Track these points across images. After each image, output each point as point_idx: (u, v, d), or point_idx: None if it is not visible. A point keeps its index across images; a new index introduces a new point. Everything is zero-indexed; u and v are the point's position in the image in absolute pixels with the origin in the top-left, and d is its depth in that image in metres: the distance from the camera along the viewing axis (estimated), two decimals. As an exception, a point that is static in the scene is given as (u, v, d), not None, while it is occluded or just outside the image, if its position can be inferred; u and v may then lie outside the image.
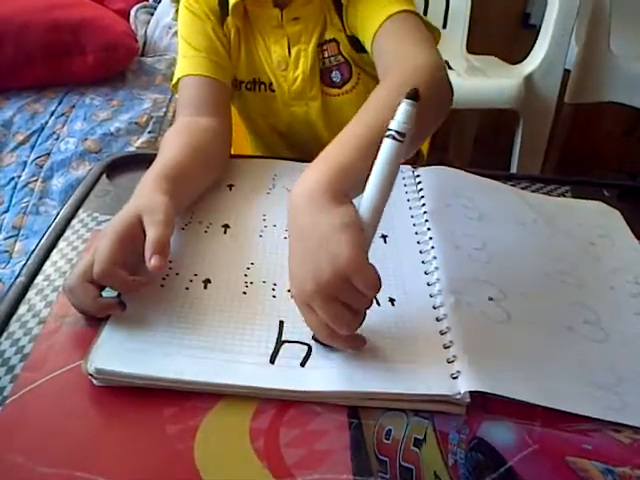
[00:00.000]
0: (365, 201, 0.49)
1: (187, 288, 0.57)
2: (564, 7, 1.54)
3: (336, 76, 0.86)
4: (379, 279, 0.47)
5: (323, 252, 0.47)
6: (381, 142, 0.49)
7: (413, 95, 0.47)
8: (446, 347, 0.53)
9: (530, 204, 0.77)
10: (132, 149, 1.07)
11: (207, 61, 0.79)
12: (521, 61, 1.67)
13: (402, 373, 0.50)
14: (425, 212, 0.70)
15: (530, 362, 0.53)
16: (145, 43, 1.37)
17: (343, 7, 0.80)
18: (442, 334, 0.54)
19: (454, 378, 0.50)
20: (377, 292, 0.48)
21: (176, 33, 1.33)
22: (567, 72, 1.65)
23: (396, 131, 0.47)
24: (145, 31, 1.40)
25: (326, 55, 0.84)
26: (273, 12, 0.81)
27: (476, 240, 0.67)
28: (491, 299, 0.59)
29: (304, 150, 0.91)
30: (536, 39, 1.66)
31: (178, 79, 0.80)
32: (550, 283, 0.64)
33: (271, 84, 0.86)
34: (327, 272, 0.46)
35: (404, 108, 0.47)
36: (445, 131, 1.95)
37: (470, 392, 0.48)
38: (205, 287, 0.58)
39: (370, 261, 0.48)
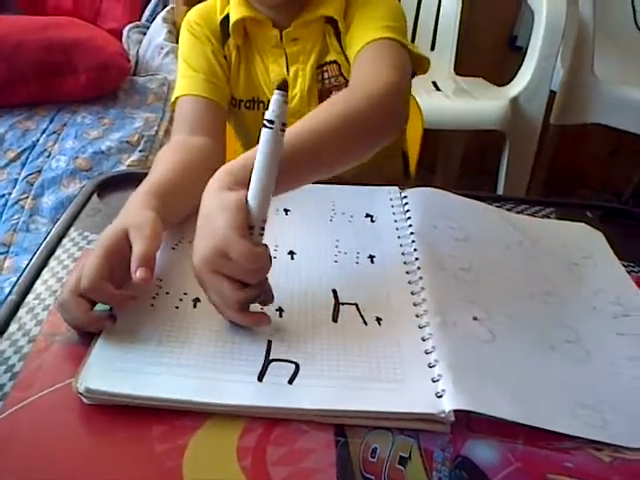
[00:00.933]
0: (250, 187, 0.54)
1: (177, 307, 0.58)
2: (550, 30, 1.57)
3: None
4: (260, 254, 0.52)
5: (205, 230, 0.54)
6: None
7: (282, 86, 0.52)
8: (431, 366, 0.54)
9: (515, 226, 0.78)
10: (123, 168, 1.08)
11: (205, 82, 0.81)
12: (508, 83, 1.70)
13: (388, 392, 0.51)
14: (412, 233, 0.71)
15: (513, 381, 0.54)
16: (137, 63, 1.39)
17: (341, 34, 0.83)
18: (427, 353, 0.55)
19: (439, 397, 0.50)
20: (256, 266, 0.52)
21: (167, 53, 1.36)
22: (553, 93, 1.68)
23: (267, 120, 0.52)
24: (137, 51, 1.41)
25: (326, 76, 0.86)
26: (272, 32, 0.83)
27: (462, 261, 0.68)
28: (476, 319, 0.60)
29: None
30: (523, 61, 1.69)
31: (176, 98, 0.82)
32: (534, 303, 0.65)
33: (269, 102, 0.86)
34: (207, 247, 0.52)
35: (274, 98, 0.53)
36: (432, 152, 1.97)
37: (454, 411, 0.49)
38: (194, 306, 0.58)
39: (357, 280, 0.56)
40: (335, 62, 0.86)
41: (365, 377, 0.52)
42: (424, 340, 0.57)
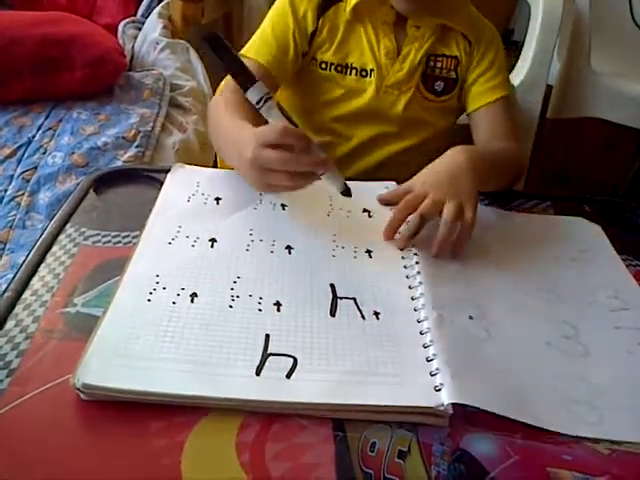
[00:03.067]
0: None
1: (174, 302, 0.58)
2: (546, 24, 1.56)
3: (439, 86, 0.95)
4: (290, 128, 0.62)
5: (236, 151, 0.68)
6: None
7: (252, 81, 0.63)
8: (429, 360, 0.54)
9: (514, 223, 0.78)
10: (119, 163, 1.07)
11: (273, 55, 0.89)
12: (504, 77, 1.69)
13: (386, 385, 0.51)
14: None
15: (509, 377, 0.54)
16: (132, 58, 1.38)
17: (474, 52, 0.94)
18: (425, 347, 0.55)
19: (437, 390, 0.50)
20: (284, 134, 0.61)
21: (163, 48, 1.35)
22: (549, 88, 1.68)
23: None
24: (132, 46, 1.40)
25: (438, 65, 0.93)
26: (389, 11, 0.89)
27: (457, 262, 0.68)
28: (471, 317, 0.60)
29: (343, 158, 0.99)
30: (519, 55, 1.68)
31: (243, 54, 0.89)
32: (531, 300, 0.65)
33: (364, 70, 0.92)
34: (246, 153, 0.64)
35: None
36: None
37: (453, 404, 0.49)
38: (192, 301, 0.58)
39: (355, 275, 0.63)
40: (455, 58, 0.93)
41: (363, 371, 0.52)
42: (422, 334, 0.57)
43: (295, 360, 0.53)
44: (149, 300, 0.58)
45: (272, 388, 0.50)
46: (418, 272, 0.64)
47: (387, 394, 0.50)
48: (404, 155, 0.97)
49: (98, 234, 0.69)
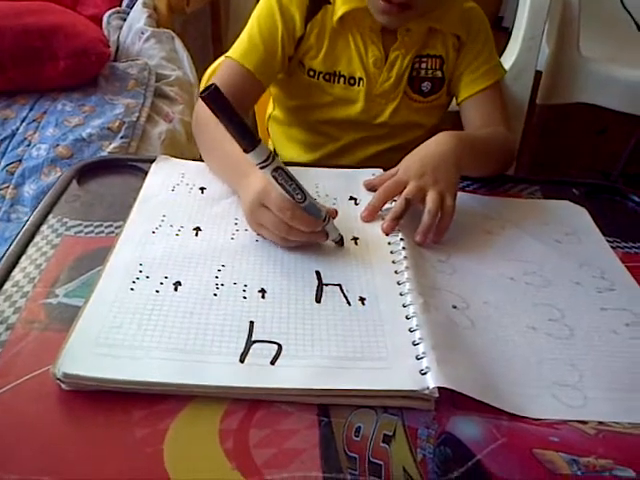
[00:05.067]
0: None
1: (157, 291, 0.57)
2: (534, 9, 1.55)
3: (426, 87, 0.93)
4: (292, 205, 0.60)
5: (247, 185, 0.65)
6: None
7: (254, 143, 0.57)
8: (415, 344, 0.53)
9: (500, 209, 0.78)
10: (104, 154, 1.06)
11: (261, 59, 0.86)
12: (494, 63, 1.69)
13: (372, 370, 0.51)
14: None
15: (495, 364, 0.54)
16: (118, 48, 1.37)
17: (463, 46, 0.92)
18: (411, 331, 0.55)
19: (423, 374, 0.50)
20: (287, 215, 0.60)
21: (148, 38, 1.34)
22: (538, 74, 1.67)
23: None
24: (118, 37, 1.39)
25: (424, 66, 0.91)
26: (375, 19, 0.86)
27: (440, 252, 0.68)
28: (455, 307, 0.60)
29: (331, 155, 0.99)
30: (508, 41, 1.67)
31: (228, 56, 0.87)
32: (515, 287, 0.65)
33: (352, 78, 0.91)
34: (249, 198, 0.64)
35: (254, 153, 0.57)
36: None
37: (439, 388, 0.48)
38: (175, 289, 0.58)
39: (341, 262, 0.63)
40: (440, 57, 0.91)
41: (349, 356, 0.52)
42: (408, 318, 0.56)
43: (280, 346, 0.52)
44: (132, 289, 0.57)
45: (256, 375, 0.49)
46: (405, 257, 0.64)
47: (373, 378, 0.50)
48: (393, 152, 0.97)
49: (80, 224, 0.68)
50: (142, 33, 1.33)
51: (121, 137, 1.09)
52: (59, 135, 1.09)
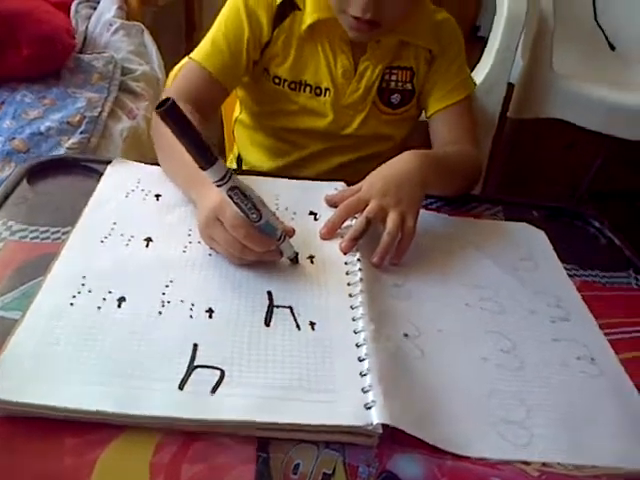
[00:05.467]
0: None
1: (99, 307, 0.55)
2: (510, 21, 1.55)
3: (396, 99, 0.92)
4: (245, 223, 0.58)
5: (205, 197, 0.62)
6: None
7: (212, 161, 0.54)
8: (363, 374, 0.52)
9: (461, 230, 0.77)
10: (62, 150, 1.03)
11: (225, 64, 0.84)
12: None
13: (317, 403, 0.49)
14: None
15: (441, 399, 0.53)
16: (85, 39, 1.32)
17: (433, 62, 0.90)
18: (360, 360, 0.54)
19: (368, 408, 0.49)
20: (240, 234, 0.58)
21: (117, 30, 1.30)
22: (511, 87, 1.67)
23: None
24: (86, 27, 1.35)
25: (394, 78, 0.90)
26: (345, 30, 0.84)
27: (397, 275, 0.67)
28: (406, 335, 0.59)
29: (296, 163, 0.97)
30: (481, 55, 1.67)
31: (191, 58, 0.84)
32: (469, 313, 0.64)
33: (318, 88, 0.88)
34: (205, 209, 0.61)
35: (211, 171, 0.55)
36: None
37: (382, 424, 0.47)
38: (119, 306, 0.55)
39: (294, 282, 0.62)
40: (410, 69, 0.90)
41: (294, 386, 0.50)
42: (358, 346, 0.55)
43: (222, 373, 0.50)
44: (72, 304, 0.55)
45: (194, 404, 0.47)
46: (361, 279, 0.63)
47: (318, 412, 0.48)
48: (361, 163, 0.95)
49: (26, 229, 0.65)
50: (111, 25, 1.29)
51: (81, 132, 1.05)
52: (16, 127, 1.05)
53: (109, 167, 0.76)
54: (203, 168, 0.54)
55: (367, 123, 0.92)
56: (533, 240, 0.79)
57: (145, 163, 0.78)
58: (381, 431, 0.47)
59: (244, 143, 1.02)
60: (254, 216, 0.58)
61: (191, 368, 0.50)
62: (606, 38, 1.80)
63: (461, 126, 0.91)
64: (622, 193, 2.26)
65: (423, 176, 0.72)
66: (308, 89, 0.89)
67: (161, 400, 0.47)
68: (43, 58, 1.16)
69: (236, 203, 0.57)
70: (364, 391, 0.50)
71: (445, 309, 0.64)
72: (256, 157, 1.00)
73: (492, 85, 1.60)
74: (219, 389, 0.49)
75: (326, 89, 0.88)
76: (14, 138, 1.04)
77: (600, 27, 1.80)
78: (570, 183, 2.24)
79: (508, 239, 0.78)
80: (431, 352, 0.58)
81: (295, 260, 0.64)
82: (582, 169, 2.20)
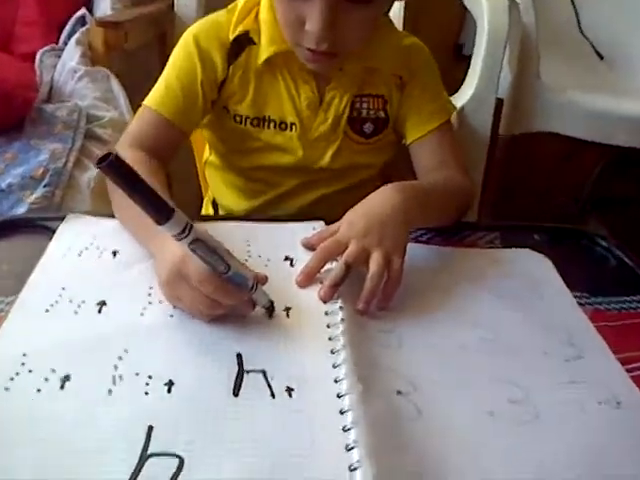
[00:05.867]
0: None
1: (39, 390, 0.47)
2: (492, 38, 1.50)
3: (368, 128, 0.85)
4: (213, 278, 0.51)
5: (165, 253, 0.56)
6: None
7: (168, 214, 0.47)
8: (349, 448, 0.44)
9: (454, 262, 0.70)
10: (24, 206, 0.96)
11: (180, 108, 0.78)
12: (454, 93, 1.64)
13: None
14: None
15: (444, 469, 0.45)
16: (51, 89, 1.27)
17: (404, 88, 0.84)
18: (345, 431, 0.46)
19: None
20: (204, 287, 0.51)
21: (81, 77, 1.25)
22: (501, 103, 1.62)
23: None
24: (52, 77, 1.29)
25: (365, 106, 0.83)
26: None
27: (386, 320, 0.60)
28: (400, 393, 0.51)
29: (272, 201, 0.90)
30: (465, 74, 1.62)
31: (145, 105, 0.79)
32: (469, 359, 0.56)
33: (283, 123, 0.82)
34: (166, 267, 0.55)
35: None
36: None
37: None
38: (62, 387, 0.48)
39: (267, 341, 0.55)
40: (382, 97, 0.84)
41: (263, 474, 0.42)
42: (342, 413, 0.47)
43: (181, 461, 0.43)
44: (6, 389, 0.47)
45: (146, 506, 0.39)
46: (343, 332, 0.55)
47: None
48: (343, 194, 0.89)
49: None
50: (75, 72, 1.23)
51: (44, 186, 0.98)
52: (-25, 186, 0.99)
53: (62, 224, 0.69)
54: (159, 223, 0.47)
55: (341, 155, 0.85)
56: (536, 267, 0.71)
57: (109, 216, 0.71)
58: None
59: (217, 185, 0.96)
60: (222, 267, 0.51)
61: (144, 458, 0.43)
62: (593, 47, 1.75)
63: (444, 152, 0.85)
64: (622, 200, 2.20)
65: (407, 212, 0.66)
66: (272, 124, 0.82)
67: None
68: (2, 115, 1.10)
69: (200, 256, 0.50)
70: (351, 469, 0.43)
71: (440, 356, 0.56)
72: (230, 199, 0.93)
73: (480, 103, 1.55)
74: (177, 482, 0.41)
75: (292, 123, 0.82)
76: (-27, 197, 0.97)
77: (584, 35, 1.76)
78: (570, 194, 2.18)
79: (508, 268, 0.70)
80: (429, 410, 0.50)
81: (271, 308, 0.57)
82: (581, 179, 2.14)
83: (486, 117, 1.57)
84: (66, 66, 1.27)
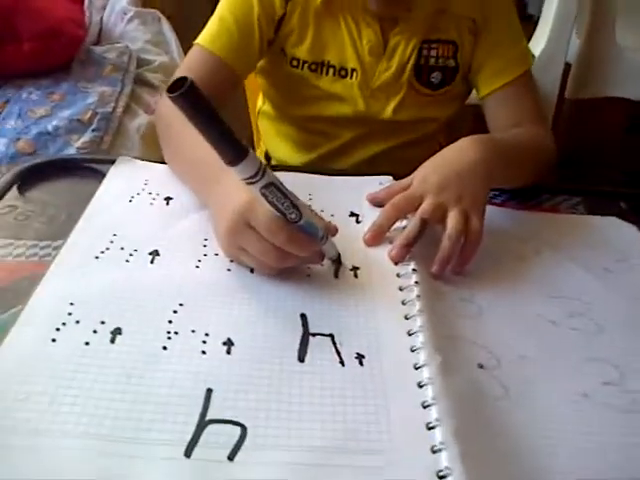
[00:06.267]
0: None
1: (87, 343, 0.43)
2: (564, -5, 1.40)
3: (436, 78, 0.78)
4: (283, 225, 0.46)
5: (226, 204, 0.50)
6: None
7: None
8: (430, 427, 0.39)
9: (535, 227, 0.64)
10: (72, 150, 0.92)
11: (234, 46, 0.72)
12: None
13: (369, 470, 0.37)
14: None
15: (538, 455, 0.40)
16: (101, 31, 1.22)
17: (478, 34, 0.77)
18: (425, 407, 0.41)
19: (441, 477, 0.36)
20: (276, 237, 0.46)
21: (131, 19, 1.20)
22: (567, 66, 1.52)
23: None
24: (101, 18, 1.25)
25: (433, 54, 0.77)
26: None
27: (464, 287, 0.54)
28: (482, 367, 0.45)
29: (329, 154, 0.84)
30: (534, 30, 1.52)
31: (198, 43, 0.72)
32: (559, 334, 0.50)
33: (343, 69, 0.76)
34: (228, 218, 0.49)
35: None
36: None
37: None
38: (112, 340, 0.44)
39: (335, 302, 0.49)
40: (453, 43, 0.76)
41: (337, 446, 0.38)
42: (421, 387, 0.42)
43: (244, 430, 0.38)
44: (53, 340, 0.43)
45: (206, 477, 0.35)
46: (418, 296, 0.50)
47: (370, 483, 0.36)
48: (404, 149, 0.82)
49: (11, 244, 0.54)
50: (125, 13, 1.18)
51: (92, 130, 0.94)
52: (21, 128, 0.95)
53: (112, 168, 0.65)
54: (231, 163, 0.42)
55: (404, 107, 0.78)
56: (625, 237, 0.65)
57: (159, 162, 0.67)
58: (462, 513, 0.34)
59: (270, 137, 0.90)
60: (293, 216, 0.46)
61: (203, 424, 0.38)
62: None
63: (523, 106, 0.77)
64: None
65: (489, 167, 0.59)
66: (331, 70, 0.76)
67: (161, 474, 0.35)
68: (47, 52, 1.05)
69: (271, 202, 0.45)
70: (434, 451, 0.38)
71: (526, 328, 0.51)
72: (284, 151, 0.88)
73: (548, 65, 1.45)
74: (238, 454, 0.37)
75: (352, 70, 0.75)
76: (19, 139, 0.93)
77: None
78: (633, 169, 2.07)
79: (595, 237, 0.64)
80: (516, 388, 0.44)
81: (338, 261, 0.53)
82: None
83: (553, 81, 1.47)
84: (116, 7, 1.22)
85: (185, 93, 0.37)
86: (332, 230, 0.52)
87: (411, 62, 0.76)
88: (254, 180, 0.43)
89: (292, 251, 0.47)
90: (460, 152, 0.60)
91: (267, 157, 0.93)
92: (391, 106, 0.78)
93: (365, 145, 0.83)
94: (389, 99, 0.78)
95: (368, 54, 0.75)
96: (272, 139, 0.90)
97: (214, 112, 0.39)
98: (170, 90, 0.37)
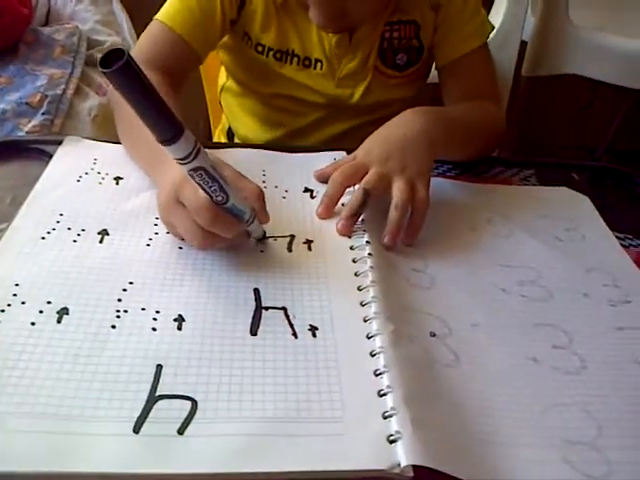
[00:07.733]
0: None
1: (33, 323, 0.42)
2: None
3: (401, 59, 0.77)
4: (210, 206, 0.45)
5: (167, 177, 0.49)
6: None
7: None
8: (382, 394, 0.40)
9: (486, 199, 0.64)
10: (21, 134, 0.90)
11: (194, 22, 0.70)
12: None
13: (322, 437, 0.37)
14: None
15: (486, 419, 0.40)
16: (49, 12, 1.19)
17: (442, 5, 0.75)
18: (377, 375, 0.41)
19: (392, 442, 0.36)
20: (203, 217, 0.45)
21: (81, 0, 1.16)
22: (523, 44, 1.54)
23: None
24: (49, -2, 1.21)
25: (396, 35, 0.76)
26: None
27: (416, 258, 0.54)
28: (434, 335, 0.46)
29: (294, 132, 0.84)
30: (490, 8, 1.53)
31: (157, 19, 0.70)
32: (509, 301, 0.51)
33: (307, 59, 0.75)
34: (164, 192, 0.48)
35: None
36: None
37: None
38: (59, 320, 0.43)
39: (288, 275, 0.49)
40: (414, 22, 0.75)
41: (290, 417, 0.38)
42: (373, 356, 0.42)
43: (194, 404, 0.38)
44: (-2, 321, 0.42)
45: (155, 452, 0.35)
46: (371, 267, 0.50)
47: (323, 451, 0.36)
48: (369, 127, 0.82)
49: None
50: (74, -7, 1.15)
51: (42, 113, 0.91)
52: (-35, 113, 0.92)
53: (60, 148, 0.63)
54: (164, 143, 0.41)
55: (371, 92, 0.78)
56: (576, 207, 0.66)
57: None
58: (412, 474, 0.35)
59: (234, 113, 0.88)
60: (219, 199, 0.45)
61: (152, 400, 0.38)
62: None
63: (478, 78, 0.77)
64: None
65: (431, 137, 0.60)
66: (296, 60, 0.75)
67: (109, 449, 0.34)
68: (-12, 33, 1.01)
69: (198, 184, 0.44)
70: (385, 417, 0.38)
71: (478, 297, 0.51)
72: (248, 128, 0.86)
73: (504, 42, 1.47)
74: (189, 428, 0.36)
75: (317, 60, 0.74)
76: (-37, 125, 0.91)
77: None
78: (587, 144, 2.11)
79: (546, 207, 0.65)
80: (466, 354, 0.45)
81: (263, 238, 0.52)
82: (600, 130, 2.06)
83: (510, 58, 1.49)
84: (64, -13, 1.18)
85: (121, 68, 0.35)
86: (259, 195, 0.50)
87: (375, 47, 0.75)
88: (184, 162, 0.42)
89: (215, 231, 0.46)
90: (404, 124, 0.60)
91: (230, 134, 0.92)
92: (359, 92, 0.77)
93: (331, 124, 0.82)
94: (356, 86, 0.77)
95: (335, 47, 0.74)
96: (236, 115, 0.88)
97: (151, 89, 0.38)
98: (104, 63, 0.35)
